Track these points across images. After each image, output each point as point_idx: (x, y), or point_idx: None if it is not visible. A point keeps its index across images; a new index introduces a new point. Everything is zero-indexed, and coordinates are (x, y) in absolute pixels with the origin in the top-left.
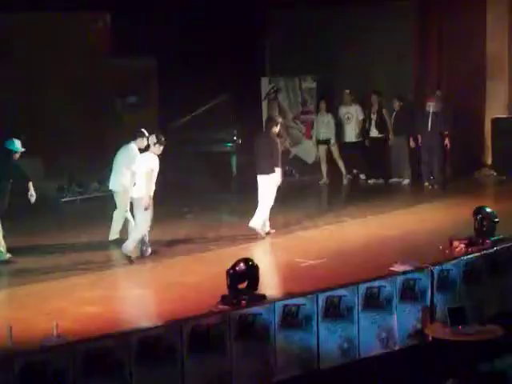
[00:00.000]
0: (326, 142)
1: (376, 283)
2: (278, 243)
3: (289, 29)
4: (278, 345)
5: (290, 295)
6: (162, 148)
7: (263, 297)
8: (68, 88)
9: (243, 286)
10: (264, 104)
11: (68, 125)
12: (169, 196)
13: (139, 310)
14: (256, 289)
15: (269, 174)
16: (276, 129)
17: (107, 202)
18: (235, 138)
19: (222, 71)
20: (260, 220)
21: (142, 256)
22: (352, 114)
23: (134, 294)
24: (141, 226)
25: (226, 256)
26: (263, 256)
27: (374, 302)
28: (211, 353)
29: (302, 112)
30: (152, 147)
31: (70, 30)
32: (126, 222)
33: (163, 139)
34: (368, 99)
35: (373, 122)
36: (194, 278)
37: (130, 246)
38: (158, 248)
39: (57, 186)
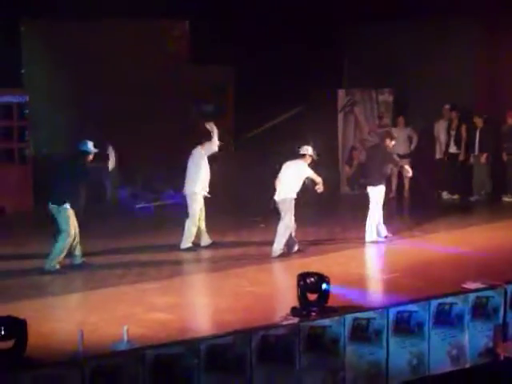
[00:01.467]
0: (403, 156)
1: (448, 300)
2: (349, 255)
3: (366, 42)
4: (347, 358)
5: (360, 309)
6: (309, 160)
7: (333, 309)
8: (145, 94)
9: (313, 298)
10: (340, 116)
11: (144, 131)
12: (242, 205)
13: (208, 318)
14: (326, 301)
15: (376, 186)
16: (391, 143)
17: (180, 209)
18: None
19: (298, 82)
20: (370, 232)
21: (289, 252)
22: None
23: (203, 302)
24: (290, 224)
25: (299, 267)
26: (336, 267)
27: (446, 318)
28: (280, 364)
29: (378, 125)
30: (307, 156)
31: (150, 37)
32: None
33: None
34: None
35: (452, 138)
36: (264, 288)
37: (278, 245)
38: (230, 256)
39: (131, 192)
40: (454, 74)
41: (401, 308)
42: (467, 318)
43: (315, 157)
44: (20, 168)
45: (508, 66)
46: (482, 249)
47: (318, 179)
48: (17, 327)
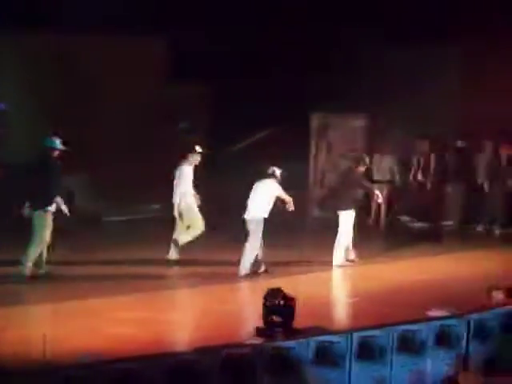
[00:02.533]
0: (382, 182)
1: (412, 327)
2: (316, 278)
3: (342, 65)
4: (310, 381)
5: (324, 331)
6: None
7: (298, 331)
8: (121, 109)
9: (279, 319)
10: (313, 139)
11: (118, 146)
12: (225, 222)
13: (175, 334)
14: (291, 323)
15: (346, 210)
16: (362, 168)
17: (150, 224)
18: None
19: (273, 104)
20: (338, 255)
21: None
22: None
23: (170, 318)
24: (256, 244)
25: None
26: (305, 289)
27: (409, 345)
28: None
29: (350, 149)
30: (275, 176)
31: (128, 53)
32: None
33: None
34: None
35: (420, 166)
36: (232, 307)
37: (246, 264)
38: (199, 274)
39: (103, 206)
40: (430, 101)
41: (365, 333)
42: (430, 345)
43: (283, 175)
44: None
45: (487, 94)
46: (449, 277)
47: (288, 198)
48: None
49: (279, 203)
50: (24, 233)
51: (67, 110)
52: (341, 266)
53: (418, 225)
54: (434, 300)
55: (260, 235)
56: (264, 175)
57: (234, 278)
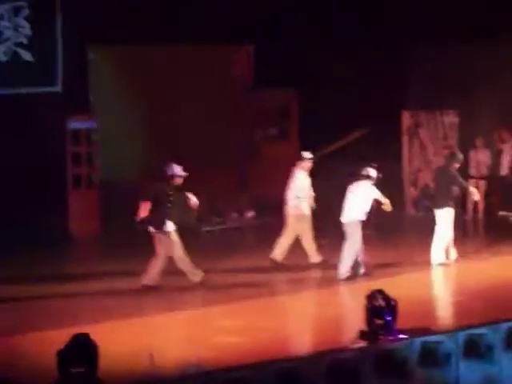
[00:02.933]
0: (480, 178)
1: None
2: (416, 278)
3: (431, 63)
4: (418, 382)
5: (429, 332)
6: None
7: (401, 332)
8: (209, 118)
9: (381, 321)
10: (405, 138)
11: (208, 155)
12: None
13: (277, 341)
14: (394, 324)
15: (443, 208)
16: (457, 165)
17: (246, 232)
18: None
19: (362, 104)
20: (436, 254)
21: (355, 275)
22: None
23: (271, 325)
24: (355, 247)
25: (365, 290)
26: (406, 289)
27: None
28: None
29: (442, 147)
30: (371, 178)
31: (214, 62)
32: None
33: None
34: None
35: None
36: (332, 311)
37: (345, 268)
38: (297, 279)
39: (196, 215)
40: None
41: (471, 331)
42: None
43: (378, 177)
44: (87, 192)
45: None
46: None
47: (385, 199)
48: (89, 351)
49: (376, 204)
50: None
51: (160, 126)
52: (441, 265)
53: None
54: None
55: (358, 237)
56: (359, 177)
57: (333, 281)
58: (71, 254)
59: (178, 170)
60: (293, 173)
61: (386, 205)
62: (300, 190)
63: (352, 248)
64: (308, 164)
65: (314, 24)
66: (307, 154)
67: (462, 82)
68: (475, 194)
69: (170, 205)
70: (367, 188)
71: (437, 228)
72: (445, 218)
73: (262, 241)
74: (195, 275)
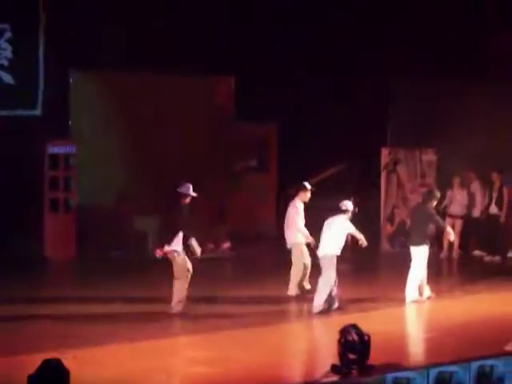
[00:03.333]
0: (456, 217)
1: (489, 362)
2: (389, 313)
3: (411, 101)
4: None
5: (400, 368)
6: (350, 214)
7: (373, 368)
8: (189, 147)
9: (354, 356)
10: (383, 174)
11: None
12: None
13: (250, 373)
14: (367, 360)
15: (418, 246)
16: (434, 203)
17: (221, 264)
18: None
19: (341, 139)
20: (411, 291)
21: (329, 309)
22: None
23: (244, 357)
24: (330, 282)
25: (340, 324)
26: (375, 326)
27: (486, 381)
28: None
29: (420, 184)
30: (346, 213)
31: (197, 92)
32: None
33: (352, 208)
34: (488, 176)
35: (493, 199)
36: (304, 345)
37: (319, 302)
38: (270, 312)
39: None
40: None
41: (442, 368)
42: (509, 381)
43: (355, 212)
44: (64, 217)
45: None
46: None
47: (360, 235)
48: (60, 376)
49: (351, 239)
50: None
51: (138, 153)
52: (414, 302)
53: (492, 258)
54: (510, 334)
55: (333, 272)
56: (336, 211)
57: (308, 315)
58: (46, 277)
59: (191, 190)
60: (294, 204)
61: (361, 240)
62: (300, 224)
63: (327, 282)
64: (308, 195)
65: (295, 59)
66: (308, 185)
67: (441, 120)
68: (451, 234)
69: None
70: (343, 222)
71: (412, 265)
72: (420, 255)
73: (236, 272)
74: (179, 304)
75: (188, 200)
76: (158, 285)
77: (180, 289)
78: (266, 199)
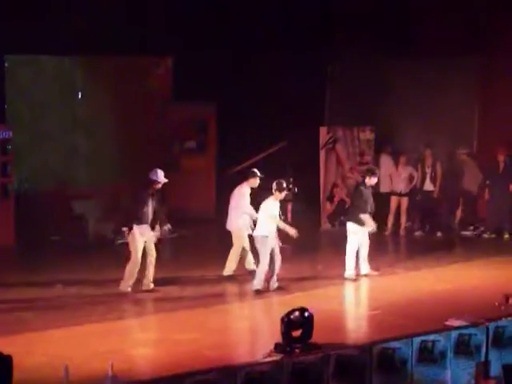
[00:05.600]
0: (401, 194)
1: (431, 337)
2: (331, 292)
3: (348, 79)
4: None
5: (343, 346)
6: (283, 194)
7: (317, 346)
8: (126, 130)
9: (297, 334)
10: (322, 153)
11: (125, 167)
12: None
13: (193, 354)
14: (310, 338)
15: (353, 223)
16: (372, 180)
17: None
18: (291, 186)
19: (280, 119)
20: (349, 266)
21: (268, 288)
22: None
23: (186, 338)
24: (264, 261)
25: (282, 303)
26: (317, 305)
27: (429, 356)
28: None
29: (359, 163)
30: (275, 193)
31: (133, 74)
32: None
33: (284, 186)
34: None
35: (427, 176)
36: (247, 325)
37: (257, 281)
38: (212, 293)
39: (113, 228)
40: (436, 113)
41: (384, 345)
42: (450, 355)
43: (294, 191)
44: (2, 202)
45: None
46: (464, 286)
47: (286, 227)
48: (2, 363)
49: (291, 217)
50: None
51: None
52: (352, 279)
53: (435, 234)
54: (452, 310)
55: (268, 252)
56: (269, 192)
57: (249, 294)
58: None
59: (161, 175)
60: (240, 190)
61: (292, 233)
62: (247, 208)
63: (263, 262)
64: (257, 181)
65: (234, 37)
66: (258, 172)
67: (378, 99)
68: (370, 224)
69: (150, 209)
70: (271, 204)
71: (348, 240)
72: (355, 231)
73: (176, 254)
74: (128, 286)
75: (158, 186)
76: (97, 268)
77: (129, 270)
78: (205, 181)
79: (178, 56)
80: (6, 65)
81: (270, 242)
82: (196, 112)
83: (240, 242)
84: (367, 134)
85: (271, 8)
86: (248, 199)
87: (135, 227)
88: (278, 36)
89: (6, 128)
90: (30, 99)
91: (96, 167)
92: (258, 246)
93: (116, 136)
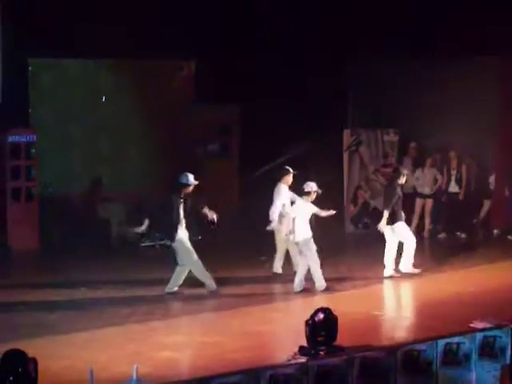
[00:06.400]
0: (426, 196)
1: (455, 339)
2: (356, 294)
3: (372, 81)
4: None
5: (368, 348)
6: (314, 196)
7: (341, 348)
8: (150, 133)
9: (321, 337)
10: (345, 155)
11: (149, 171)
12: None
13: (216, 357)
14: (334, 340)
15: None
16: (401, 180)
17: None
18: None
19: (304, 122)
20: (388, 263)
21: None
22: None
23: (210, 341)
24: (315, 262)
25: (306, 305)
26: (342, 307)
27: (453, 358)
28: None
29: (382, 165)
30: (306, 195)
31: (157, 77)
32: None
33: (315, 188)
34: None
35: (452, 178)
36: (272, 327)
37: (319, 283)
38: (237, 294)
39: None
40: (460, 113)
41: (409, 347)
42: (474, 357)
43: (319, 192)
44: (26, 206)
45: None
46: (489, 288)
47: (323, 213)
48: (27, 366)
49: (314, 221)
50: None
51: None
52: (387, 278)
53: (459, 236)
54: (476, 312)
55: (314, 251)
56: (300, 193)
57: (272, 297)
58: (10, 267)
59: (191, 178)
60: (276, 189)
61: (327, 213)
62: (277, 206)
63: (314, 263)
64: (291, 178)
65: (256, 39)
66: (291, 169)
67: (402, 100)
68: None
69: (182, 213)
70: (307, 205)
71: (387, 243)
72: (390, 233)
73: (200, 256)
74: (211, 284)
75: (189, 189)
76: (121, 271)
77: (199, 274)
78: (228, 183)
79: (201, 58)
80: (30, 69)
81: (313, 243)
82: (219, 115)
83: (279, 242)
84: (391, 137)
85: (291, 10)
86: (284, 197)
87: (179, 232)
88: (301, 39)
89: (30, 132)
90: (53, 103)
91: (120, 171)
92: (304, 249)
93: (139, 139)
